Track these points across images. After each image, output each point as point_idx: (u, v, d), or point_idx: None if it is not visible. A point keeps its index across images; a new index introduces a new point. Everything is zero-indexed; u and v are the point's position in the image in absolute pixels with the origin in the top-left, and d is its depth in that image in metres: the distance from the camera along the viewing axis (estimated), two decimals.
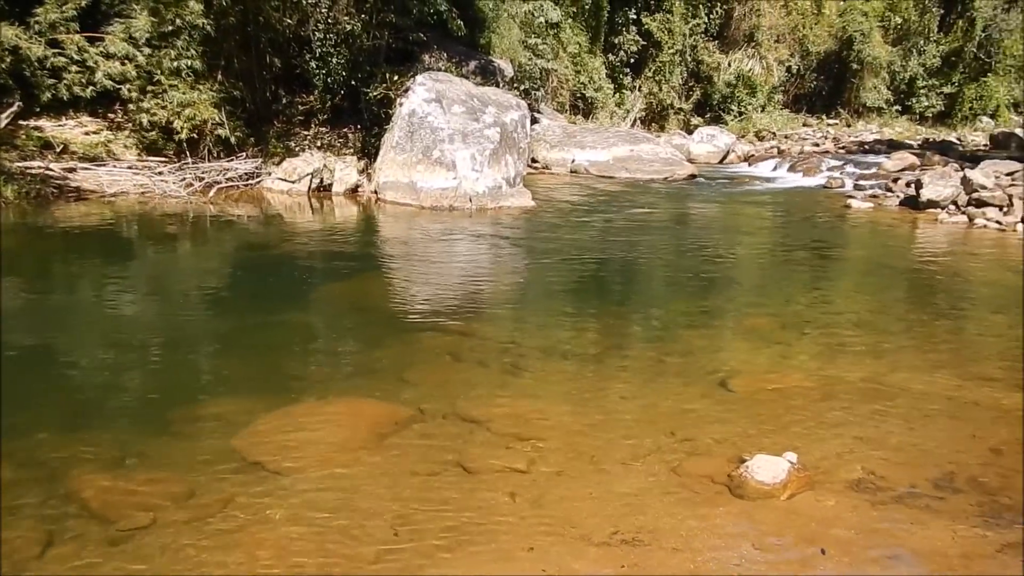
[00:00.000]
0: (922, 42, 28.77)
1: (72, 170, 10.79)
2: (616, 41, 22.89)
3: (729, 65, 25.06)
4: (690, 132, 22.17)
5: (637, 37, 22.90)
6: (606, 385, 5.07)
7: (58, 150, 10.98)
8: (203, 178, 11.48)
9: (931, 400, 4.91)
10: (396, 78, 12.75)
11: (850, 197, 13.78)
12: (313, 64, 12.61)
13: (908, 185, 13.60)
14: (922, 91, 29.25)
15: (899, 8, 28.28)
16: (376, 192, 11.91)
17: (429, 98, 12.02)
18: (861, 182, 15.48)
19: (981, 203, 11.73)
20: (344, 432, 4.33)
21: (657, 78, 23.51)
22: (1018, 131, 25.49)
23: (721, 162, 20.06)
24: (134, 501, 3.52)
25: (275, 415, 4.43)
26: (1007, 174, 12.71)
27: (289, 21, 12.39)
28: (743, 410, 4.71)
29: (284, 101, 13.15)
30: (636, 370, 5.37)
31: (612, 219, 11.51)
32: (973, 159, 16.35)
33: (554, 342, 5.96)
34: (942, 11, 29.50)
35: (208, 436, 4.19)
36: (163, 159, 11.63)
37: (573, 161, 16.45)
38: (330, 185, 12.12)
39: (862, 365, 5.50)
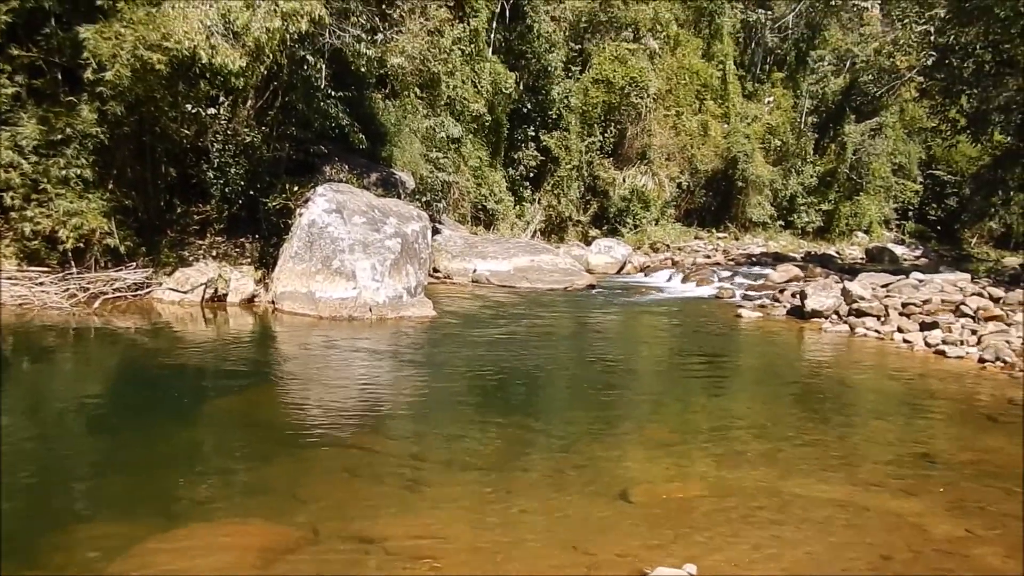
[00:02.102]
0: (800, 163, 30.94)
1: None
2: (516, 156, 23.64)
3: (624, 180, 26.16)
4: (588, 243, 22.84)
5: (536, 153, 23.72)
6: (507, 499, 4.97)
7: None
8: (88, 288, 11.02)
9: (824, 506, 5.01)
10: (296, 189, 12.75)
11: (740, 307, 14.34)
12: (211, 174, 12.48)
13: (794, 296, 14.28)
14: (802, 208, 31.25)
15: (778, 132, 30.46)
16: (273, 302, 11.68)
17: (329, 208, 12.04)
18: (750, 292, 16.19)
19: (861, 313, 12.40)
20: (231, 557, 4.07)
21: (556, 191, 24.28)
22: (890, 246, 27.42)
23: (618, 272, 20.66)
24: None
25: (156, 540, 4.15)
26: (882, 286, 13.55)
27: (187, 132, 12.31)
28: (643, 521, 4.68)
29: (179, 210, 12.89)
30: (537, 483, 5.30)
31: (513, 329, 11.59)
32: (851, 271, 17.43)
33: (454, 455, 5.85)
34: (817, 135, 31.99)
35: (81, 565, 3.87)
36: (45, 269, 11.13)
37: (475, 271, 16.62)
38: (225, 295, 11.81)
39: (757, 473, 5.60)
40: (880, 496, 5.21)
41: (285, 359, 9.57)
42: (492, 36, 22.16)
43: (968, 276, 14.54)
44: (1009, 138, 23.55)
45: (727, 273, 18.74)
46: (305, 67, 13.09)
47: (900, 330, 11.60)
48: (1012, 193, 25.84)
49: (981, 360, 9.89)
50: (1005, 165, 23.49)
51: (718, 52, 28.91)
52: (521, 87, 22.82)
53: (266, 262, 12.50)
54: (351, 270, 11.56)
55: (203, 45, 10.42)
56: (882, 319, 12.18)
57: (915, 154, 33.55)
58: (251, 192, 12.71)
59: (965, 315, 11.52)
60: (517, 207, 23.34)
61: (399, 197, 14.87)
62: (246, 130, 12.63)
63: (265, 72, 12.12)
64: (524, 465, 5.68)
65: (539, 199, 24.34)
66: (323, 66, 14.15)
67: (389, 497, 4.97)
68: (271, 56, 11.56)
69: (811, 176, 31.29)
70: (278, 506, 4.73)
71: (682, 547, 4.29)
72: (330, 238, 11.75)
